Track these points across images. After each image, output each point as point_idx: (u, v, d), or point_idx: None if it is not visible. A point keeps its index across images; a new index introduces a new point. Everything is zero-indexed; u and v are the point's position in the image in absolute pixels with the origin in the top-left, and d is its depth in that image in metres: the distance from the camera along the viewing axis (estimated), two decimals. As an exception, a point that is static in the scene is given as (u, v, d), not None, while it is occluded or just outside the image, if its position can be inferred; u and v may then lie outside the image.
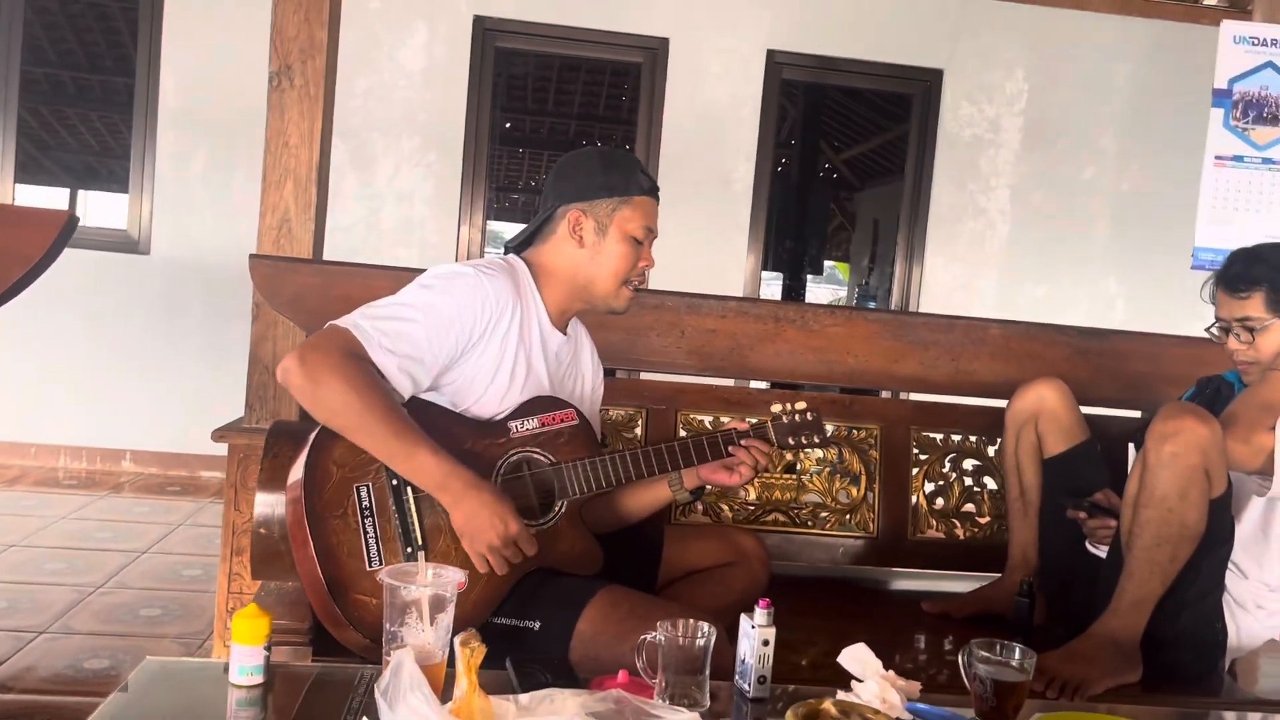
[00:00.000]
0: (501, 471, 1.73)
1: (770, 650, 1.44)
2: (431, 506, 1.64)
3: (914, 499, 2.59)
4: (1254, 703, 2.05)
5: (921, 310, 5.08)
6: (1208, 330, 2.16)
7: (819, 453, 2.57)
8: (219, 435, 2.51)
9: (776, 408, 1.93)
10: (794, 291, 8.38)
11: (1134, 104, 5.14)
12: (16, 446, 4.75)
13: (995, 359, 2.60)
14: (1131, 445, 2.29)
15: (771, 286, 9.10)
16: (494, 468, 1.72)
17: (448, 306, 1.67)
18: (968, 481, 2.63)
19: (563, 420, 1.80)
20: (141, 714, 1.28)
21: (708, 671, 1.38)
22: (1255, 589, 2.01)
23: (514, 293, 1.76)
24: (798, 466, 2.58)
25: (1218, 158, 2.88)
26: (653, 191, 1.84)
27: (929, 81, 5.12)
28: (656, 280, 4.95)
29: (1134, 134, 5.15)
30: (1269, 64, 2.85)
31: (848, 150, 9.78)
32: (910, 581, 2.62)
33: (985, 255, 5.19)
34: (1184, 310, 5.01)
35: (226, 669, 1.33)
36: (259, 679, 1.32)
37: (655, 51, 4.98)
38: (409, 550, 1.61)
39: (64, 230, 2.32)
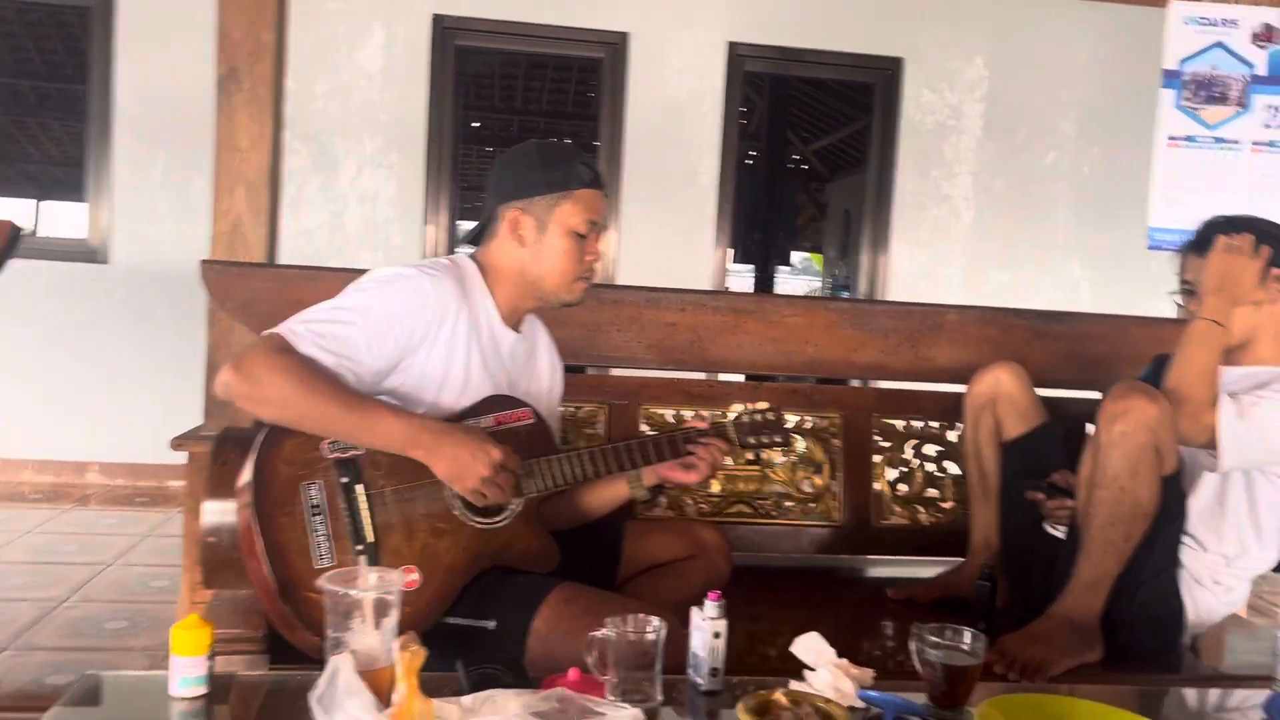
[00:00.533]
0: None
1: (722, 642, 1.44)
2: (383, 504, 1.63)
3: (877, 486, 2.60)
4: (1213, 678, 2.06)
5: (889, 298, 5.10)
6: (1171, 294, 2.17)
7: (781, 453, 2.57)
8: (178, 443, 2.49)
9: (737, 407, 1.93)
10: (764, 283, 8.41)
11: (1093, 88, 5.17)
12: (-20, 462, 4.69)
13: (954, 344, 2.60)
14: (1090, 426, 2.30)
15: (744, 279, 9.12)
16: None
17: (386, 309, 1.65)
18: (930, 467, 2.63)
19: (519, 419, 1.79)
20: (83, 729, 1.26)
21: (659, 666, 1.37)
22: (1213, 562, 2.02)
23: (458, 293, 1.74)
24: (761, 457, 2.58)
25: (1170, 138, 2.90)
26: (595, 183, 1.80)
27: (890, 70, 5.13)
28: (624, 276, 4.99)
29: (1093, 118, 5.18)
30: (1218, 44, 2.87)
31: (816, 141, 9.82)
32: (875, 568, 2.63)
33: (950, 242, 5.21)
34: (1147, 291, 5.07)
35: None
36: (202, 690, 1.30)
37: (616, 46, 4.96)
38: (359, 549, 1.60)
39: (9, 241, 2.29)
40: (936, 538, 2.58)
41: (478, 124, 8.77)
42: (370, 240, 4.87)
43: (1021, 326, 2.63)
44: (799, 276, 13.85)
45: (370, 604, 1.25)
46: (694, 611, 1.46)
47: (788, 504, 2.58)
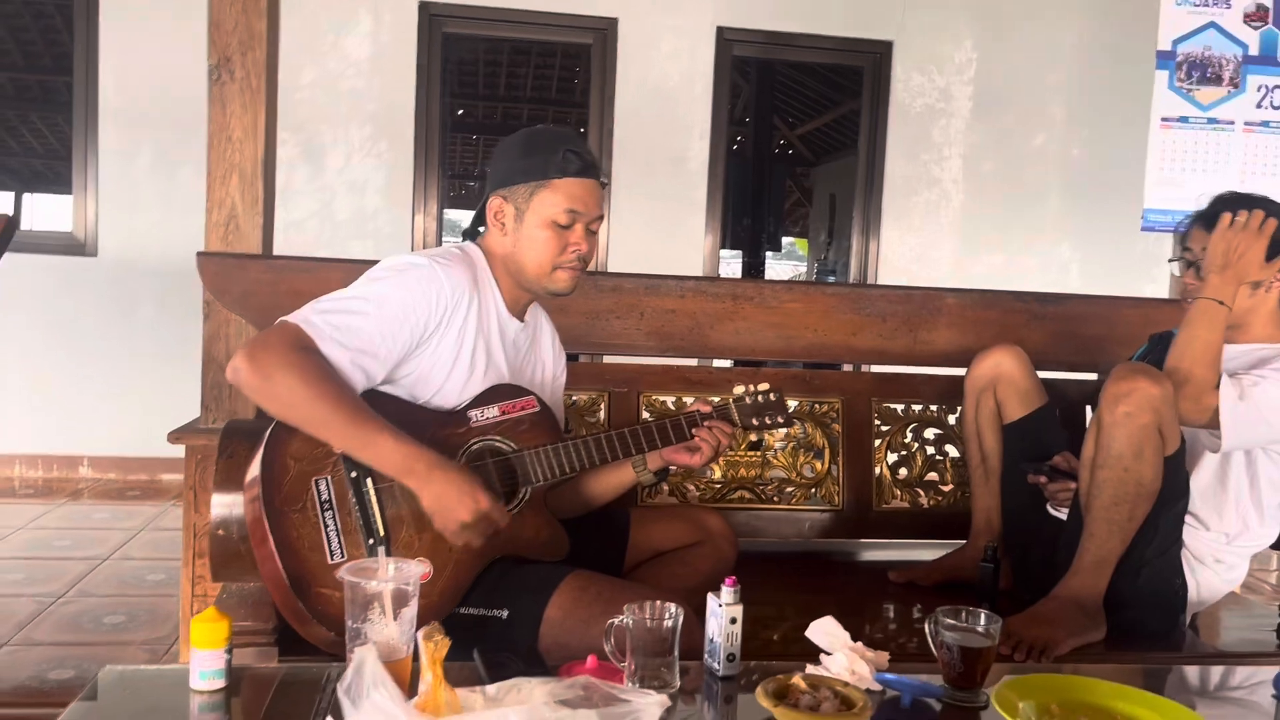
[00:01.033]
0: (463, 460, 1.71)
1: (738, 628, 1.44)
2: (392, 497, 1.62)
3: (877, 470, 2.61)
4: (1215, 655, 2.08)
5: (880, 282, 5.11)
6: (1170, 261, 2.17)
7: (783, 431, 2.57)
8: (175, 437, 2.47)
9: (739, 389, 1.92)
10: (754, 269, 8.40)
11: (1081, 70, 5.18)
12: (-31, 458, 4.65)
13: (952, 328, 2.61)
14: (1090, 408, 2.31)
15: (731, 265, 9.11)
16: (456, 457, 1.70)
17: (401, 298, 1.64)
18: (930, 450, 2.65)
19: (524, 408, 1.78)
20: (103, 723, 1.26)
21: (677, 652, 1.38)
22: (1214, 541, 2.04)
23: (471, 282, 1.73)
24: (762, 443, 2.59)
25: (1164, 119, 2.91)
26: (583, 173, 1.75)
27: (879, 53, 5.13)
28: (615, 264, 4.98)
29: (1082, 100, 5.19)
30: (1211, 24, 2.88)
31: (802, 126, 9.80)
32: (877, 552, 2.64)
33: (940, 225, 5.22)
34: (1136, 273, 5.12)
35: (188, 674, 1.31)
36: (221, 683, 1.30)
37: (604, 32, 4.94)
38: (370, 542, 1.59)
39: (4, 233, 2.27)
40: (937, 520, 2.60)
41: (461, 111, 8.72)
42: (360, 230, 4.84)
43: (1020, 309, 2.64)
44: (783, 262, 13.84)
45: (389, 595, 1.25)
46: (710, 597, 1.46)
47: (789, 489, 2.58)
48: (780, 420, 1.92)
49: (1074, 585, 1.94)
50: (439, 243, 5.04)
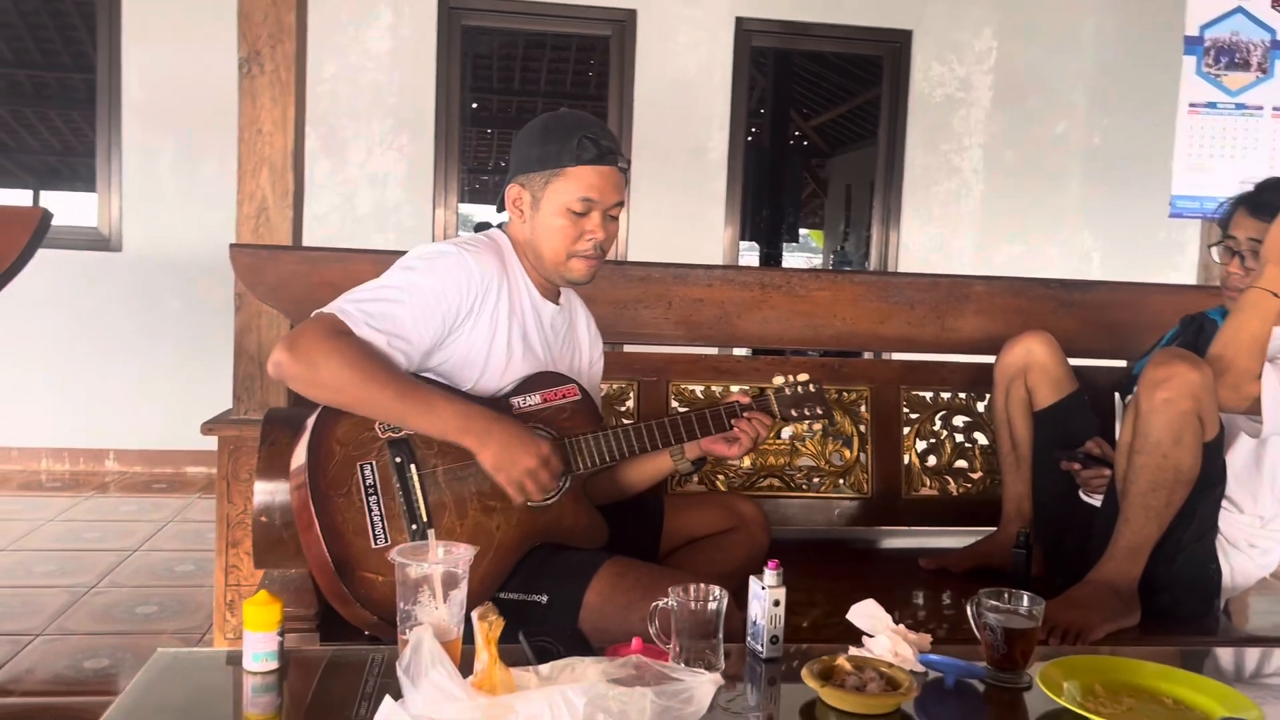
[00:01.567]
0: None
1: (781, 610, 1.45)
2: (435, 483, 1.64)
3: (906, 458, 2.61)
4: (1250, 639, 2.08)
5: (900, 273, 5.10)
6: (1211, 247, 2.15)
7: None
8: (208, 428, 2.49)
9: (779, 379, 1.92)
10: (771, 260, 8.41)
11: (1102, 57, 5.16)
12: (-2, 451, 4.70)
13: (980, 315, 2.61)
14: (1118, 394, 2.31)
15: (748, 257, 9.12)
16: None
17: (432, 286, 1.66)
18: (959, 438, 2.65)
19: (565, 395, 1.80)
20: (158, 706, 1.27)
21: (721, 635, 1.39)
22: (1249, 525, 2.04)
23: (499, 267, 1.75)
24: (790, 431, 2.59)
25: (1191, 105, 2.90)
26: (599, 159, 1.73)
27: (898, 43, 5.12)
28: (634, 255, 4.99)
29: (1104, 87, 5.17)
30: (1239, 9, 2.87)
31: (817, 117, 9.79)
32: (906, 539, 2.64)
33: (961, 215, 5.21)
34: (1159, 260, 5.10)
35: (239, 657, 1.33)
36: (274, 664, 1.32)
37: (623, 24, 4.94)
38: (414, 527, 1.61)
39: (39, 228, 2.29)
40: (966, 508, 2.60)
41: (476, 105, 8.73)
42: (382, 223, 4.86)
43: (1047, 296, 2.64)
44: (796, 254, 13.83)
45: (439, 578, 1.26)
46: (753, 580, 1.47)
47: (817, 478, 2.59)
48: (819, 411, 1.92)
49: (1109, 570, 1.94)
50: (457, 235, 5.05)
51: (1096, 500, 2.15)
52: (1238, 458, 2.02)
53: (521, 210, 1.79)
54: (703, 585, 1.39)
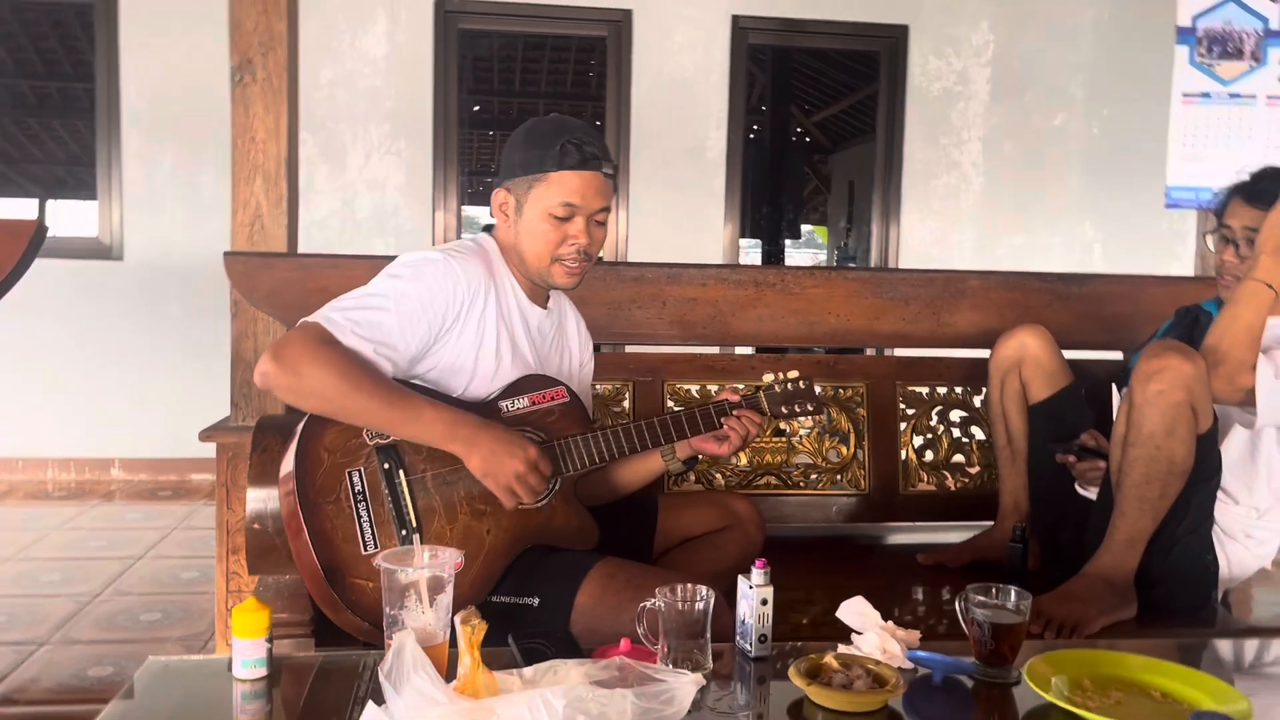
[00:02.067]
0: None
1: (769, 609, 1.45)
2: (424, 488, 1.65)
3: (904, 453, 2.61)
4: (1248, 630, 2.07)
5: (901, 267, 5.09)
6: (1206, 235, 2.15)
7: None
8: (206, 435, 2.50)
9: (769, 377, 1.92)
10: (773, 257, 8.40)
11: (1100, 48, 5.14)
12: (3, 461, 4.72)
13: (976, 310, 2.61)
14: (1115, 387, 2.30)
15: (751, 254, 9.10)
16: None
17: (419, 293, 1.66)
18: (956, 433, 2.65)
19: (553, 398, 1.80)
20: (148, 714, 1.28)
21: (709, 634, 1.39)
22: (1245, 516, 2.03)
23: (486, 273, 1.75)
24: (786, 429, 2.59)
25: (1185, 95, 2.89)
26: (582, 164, 1.73)
27: (895, 37, 5.11)
28: (634, 254, 4.99)
29: (1101, 78, 5.15)
30: (1231, -2, 2.86)
31: (818, 113, 9.76)
32: (904, 535, 2.64)
33: (961, 209, 5.20)
34: (1160, 251, 5.08)
35: (230, 664, 1.34)
36: (263, 671, 1.32)
37: (619, 24, 4.95)
38: (403, 533, 1.61)
39: (34, 239, 2.30)
40: (964, 503, 2.59)
41: (477, 108, 8.74)
42: (381, 228, 4.88)
43: (1043, 290, 2.63)
44: (802, 250, 13.81)
45: (424, 583, 1.27)
46: (741, 579, 1.47)
47: (815, 475, 2.59)
48: (810, 408, 1.92)
49: (1104, 563, 1.94)
50: (459, 238, 5.06)
51: (1092, 493, 2.14)
52: (1233, 449, 2.02)
53: (507, 215, 1.80)
54: (689, 585, 1.39)
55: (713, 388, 2.55)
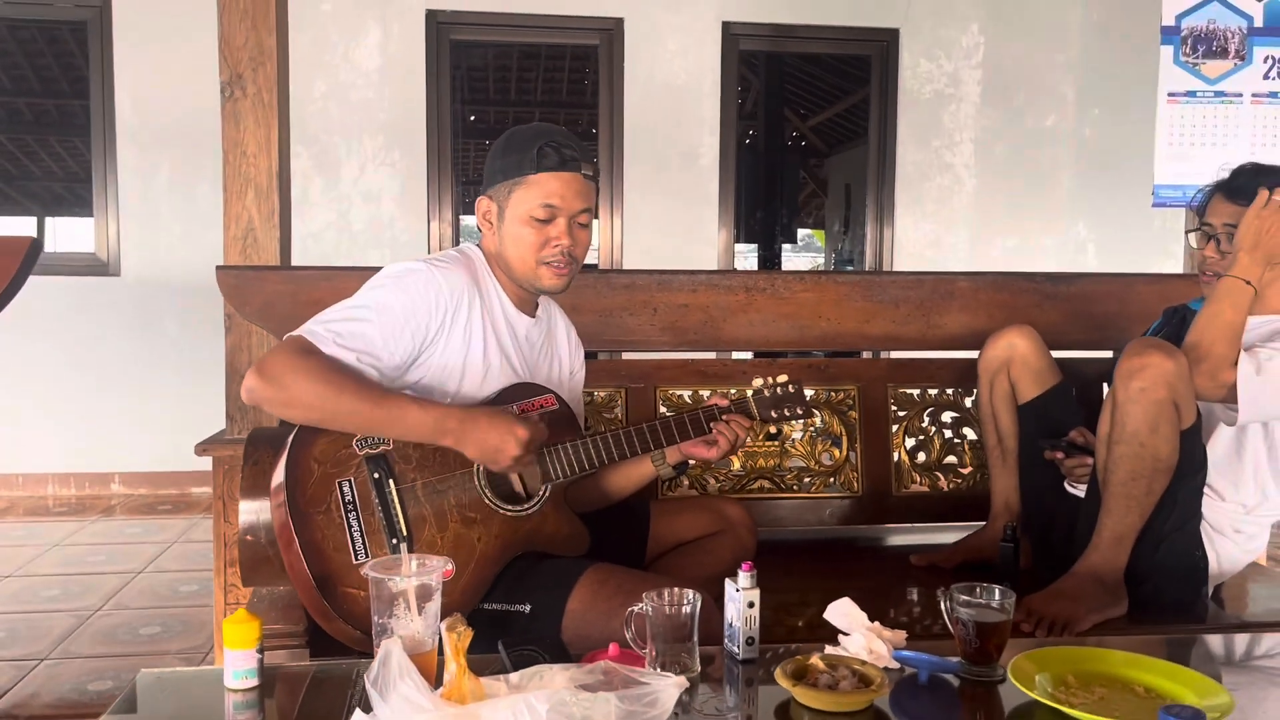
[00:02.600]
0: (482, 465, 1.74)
1: (756, 612, 1.46)
2: (414, 497, 1.66)
3: (896, 455, 2.62)
4: (1238, 625, 2.08)
5: (896, 269, 5.11)
6: (1189, 233, 2.16)
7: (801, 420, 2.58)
8: (202, 449, 2.52)
9: (758, 382, 1.93)
10: (769, 261, 8.42)
11: (1089, 49, 5.16)
12: (3, 478, 4.74)
13: (965, 311, 2.62)
14: (1106, 385, 2.31)
15: (748, 259, 9.13)
16: (475, 456, 1.73)
17: (401, 303, 1.68)
18: (947, 434, 2.66)
19: (542, 405, 1.81)
20: (140, 725, 1.30)
21: (696, 638, 1.40)
22: (1232, 512, 2.04)
23: (470, 282, 1.77)
24: (780, 433, 2.61)
25: (1170, 95, 2.90)
26: (561, 166, 1.74)
27: (885, 41, 5.13)
28: (630, 261, 5.01)
29: (1091, 79, 5.17)
30: (1214, -2, 2.88)
31: (814, 117, 9.79)
32: (898, 536, 2.65)
33: (954, 210, 5.22)
34: (1153, 249, 5.09)
35: (221, 676, 1.35)
36: (254, 681, 1.34)
37: (610, 32, 4.97)
38: (394, 542, 1.63)
39: (28, 256, 2.32)
40: (957, 503, 2.61)
41: (474, 118, 8.77)
42: (377, 239, 4.90)
43: (1031, 290, 2.64)
44: (801, 254, 13.83)
45: (413, 591, 1.28)
46: (728, 583, 1.48)
47: (808, 478, 2.60)
48: (799, 411, 1.94)
49: (1093, 561, 1.95)
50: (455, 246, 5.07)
51: (1081, 491, 2.15)
52: (1218, 446, 2.03)
53: (491, 222, 1.81)
54: (676, 589, 1.40)
55: (705, 393, 2.56)
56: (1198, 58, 2.88)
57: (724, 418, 1.87)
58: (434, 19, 4.85)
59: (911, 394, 2.66)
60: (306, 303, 2.35)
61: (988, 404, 2.33)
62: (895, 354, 3.02)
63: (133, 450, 4.79)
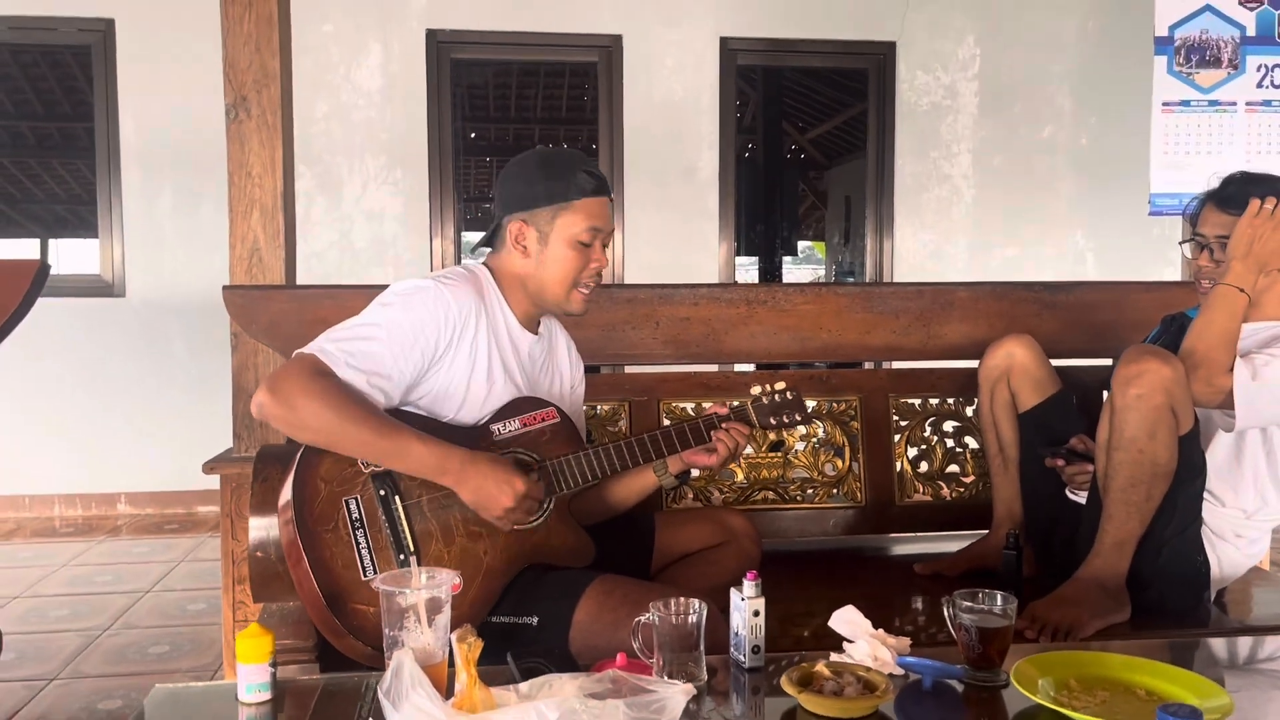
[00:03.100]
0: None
1: (762, 620, 1.48)
2: (420, 513, 1.68)
3: (898, 465, 2.64)
4: (1241, 629, 2.09)
5: (896, 280, 5.14)
6: (1182, 244, 2.19)
7: (803, 429, 2.60)
8: (209, 467, 2.54)
9: (756, 389, 1.96)
10: (770, 274, 8.45)
11: (1085, 59, 5.20)
12: (10, 499, 4.76)
13: (965, 321, 2.64)
14: (1106, 392, 2.33)
15: (749, 272, 9.16)
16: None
17: (410, 322, 1.70)
18: (949, 443, 2.67)
19: (544, 419, 1.83)
20: (155, 740, 1.31)
21: (702, 647, 1.42)
22: (1233, 517, 2.06)
23: (477, 299, 1.79)
24: (783, 444, 2.63)
25: (1165, 104, 2.93)
26: (599, 191, 1.81)
27: (882, 54, 5.17)
28: (630, 276, 5.04)
29: (1087, 89, 5.21)
30: (1207, 7, 2.90)
31: (812, 130, 9.83)
32: (902, 546, 2.66)
33: (953, 221, 5.25)
34: (1151, 257, 5.12)
35: (235, 690, 1.36)
36: (267, 695, 1.35)
37: (609, 49, 5.01)
38: (401, 558, 1.65)
39: (36, 279, 2.34)
40: (959, 512, 2.62)
41: (474, 135, 8.82)
42: (380, 257, 4.93)
43: (1030, 299, 2.67)
44: (802, 266, 13.87)
45: (423, 603, 1.30)
46: (733, 592, 1.50)
47: (811, 489, 2.62)
48: (798, 418, 1.96)
49: (1096, 567, 1.97)
50: (458, 264, 5.10)
51: (1082, 498, 2.17)
52: (1218, 452, 2.05)
53: (525, 246, 1.82)
54: (683, 599, 1.42)
55: (707, 405, 2.58)
56: (1191, 67, 2.91)
57: (724, 425, 1.89)
58: (434, 39, 4.90)
59: (913, 404, 2.67)
60: (311, 321, 2.38)
61: (988, 413, 2.35)
62: (896, 364, 3.04)
63: (139, 470, 4.81)
